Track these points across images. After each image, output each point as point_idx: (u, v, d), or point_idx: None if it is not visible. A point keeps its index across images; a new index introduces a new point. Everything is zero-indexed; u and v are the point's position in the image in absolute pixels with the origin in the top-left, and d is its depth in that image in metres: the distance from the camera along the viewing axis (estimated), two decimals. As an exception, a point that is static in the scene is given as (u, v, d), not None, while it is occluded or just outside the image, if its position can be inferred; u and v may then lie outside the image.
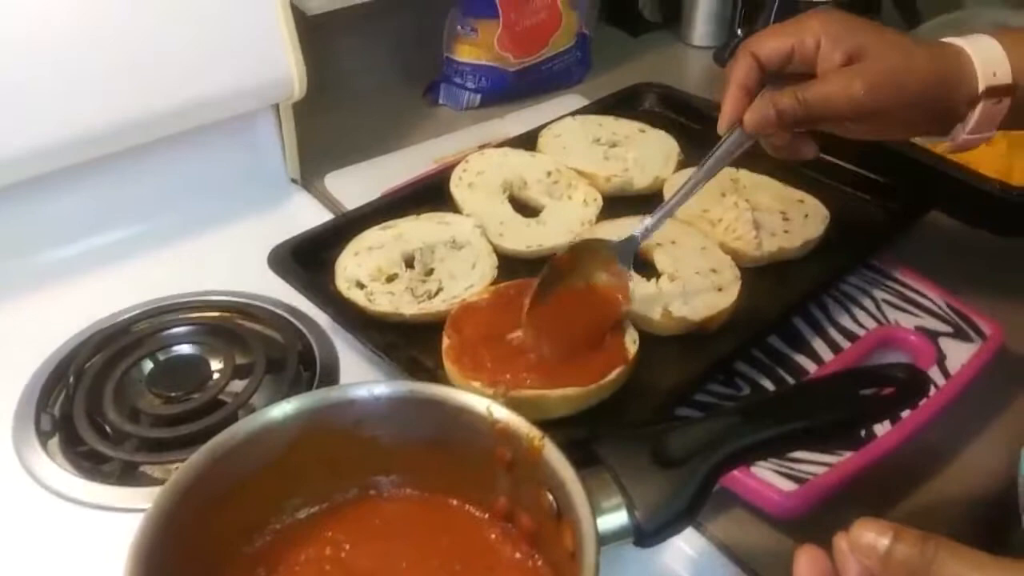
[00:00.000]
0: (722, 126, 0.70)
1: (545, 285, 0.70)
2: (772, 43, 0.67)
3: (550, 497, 0.53)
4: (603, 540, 0.48)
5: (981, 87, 0.64)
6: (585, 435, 0.62)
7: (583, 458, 0.53)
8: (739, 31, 1.31)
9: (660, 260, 0.79)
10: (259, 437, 0.55)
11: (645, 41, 1.34)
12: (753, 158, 0.91)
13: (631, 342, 0.69)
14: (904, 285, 0.81)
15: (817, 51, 0.66)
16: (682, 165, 0.92)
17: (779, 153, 0.72)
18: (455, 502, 0.59)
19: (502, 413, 0.55)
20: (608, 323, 0.70)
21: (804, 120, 0.66)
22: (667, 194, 0.88)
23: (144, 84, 0.83)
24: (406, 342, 0.73)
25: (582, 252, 0.72)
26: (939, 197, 0.86)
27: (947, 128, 0.68)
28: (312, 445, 0.56)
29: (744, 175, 0.90)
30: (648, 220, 0.72)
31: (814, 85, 0.65)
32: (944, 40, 0.67)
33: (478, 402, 0.56)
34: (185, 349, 0.80)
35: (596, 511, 0.49)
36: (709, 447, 0.52)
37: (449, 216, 0.85)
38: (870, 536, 0.43)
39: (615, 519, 0.50)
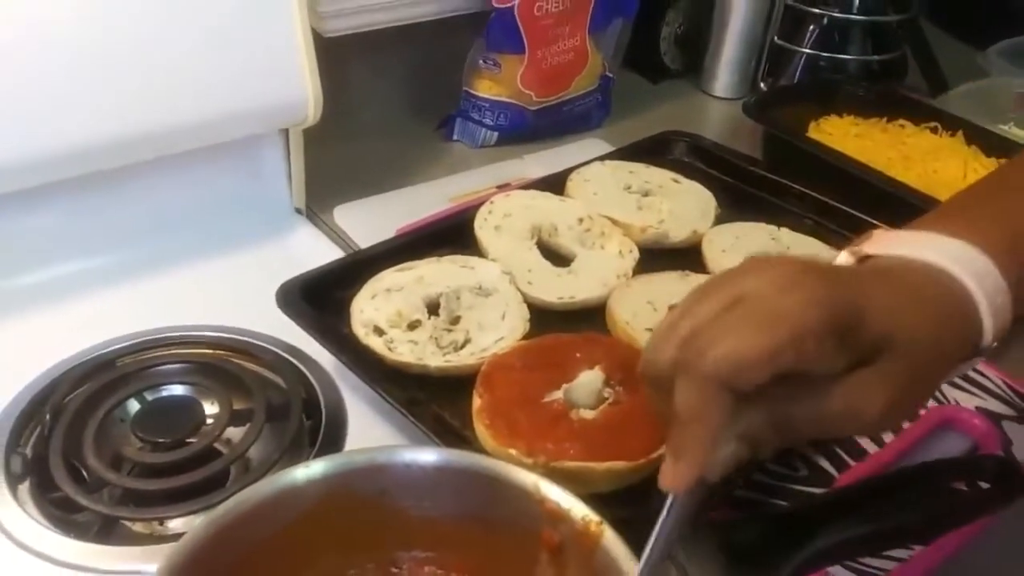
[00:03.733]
0: (681, 480, 0.45)
1: None
2: (754, 362, 0.42)
3: (606, 592, 0.46)
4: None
5: (990, 341, 0.49)
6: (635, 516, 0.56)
7: (636, 543, 0.46)
8: (762, 84, 1.28)
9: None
10: (273, 504, 0.48)
11: (664, 88, 1.30)
12: (791, 215, 0.88)
13: (682, 412, 0.62)
14: (958, 361, 0.75)
15: (819, 351, 0.43)
16: (719, 220, 0.87)
17: None
18: (484, 587, 0.52)
19: (552, 491, 0.48)
20: None
21: (791, 447, 0.54)
22: (706, 249, 0.83)
23: (145, 98, 0.77)
24: (429, 397, 0.67)
25: None
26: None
27: None
28: (330, 515, 0.50)
29: (785, 233, 0.84)
30: None
31: (810, 406, 0.45)
32: (937, 268, 0.48)
33: (524, 477, 0.49)
34: (176, 389, 0.73)
35: (665, 613, 0.43)
36: (789, 546, 0.46)
37: (474, 260, 0.79)
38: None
39: (684, 623, 0.44)
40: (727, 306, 0.44)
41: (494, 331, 0.71)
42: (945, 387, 0.73)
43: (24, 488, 0.64)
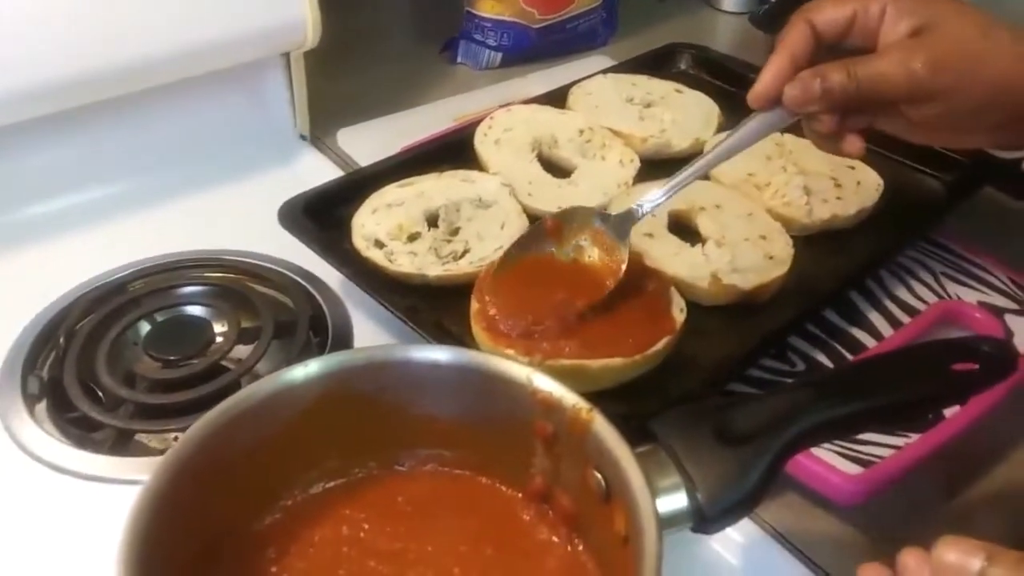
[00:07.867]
0: (755, 97, 0.60)
1: (522, 247, 0.65)
2: (831, 9, 0.59)
3: (598, 476, 0.47)
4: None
5: None
6: (632, 411, 0.57)
7: (633, 437, 0.47)
8: (770, -4, 1.26)
9: (704, 225, 0.73)
10: (274, 402, 0.49)
11: (672, 4, 1.29)
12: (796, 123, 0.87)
13: (678, 311, 0.63)
14: (962, 258, 0.76)
15: (881, 20, 0.58)
16: (723, 128, 0.86)
17: (822, 143, 0.62)
18: (485, 480, 0.53)
19: (544, 382, 0.49)
20: (588, 304, 0.61)
21: (855, 99, 0.57)
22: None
23: (144, 25, 0.77)
24: (429, 306, 0.67)
25: (570, 220, 0.65)
26: (992, 169, 0.81)
27: None
28: (331, 413, 0.51)
29: (789, 139, 0.84)
30: (654, 195, 0.63)
31: (870, 58, 0.57)
32: None
33: (517, 370, 0.50)
34: (186, 310, 0.74)
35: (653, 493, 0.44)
36: (779, 424, 0.47)
37: (474, 174, 0.79)
38: (955, 556, 0.37)
39: (673, 502, 0.45)
40: None
41: (494, 241, 0.71)
42: (947, 283, 0.73)
43: (41, 408, 0.66)
